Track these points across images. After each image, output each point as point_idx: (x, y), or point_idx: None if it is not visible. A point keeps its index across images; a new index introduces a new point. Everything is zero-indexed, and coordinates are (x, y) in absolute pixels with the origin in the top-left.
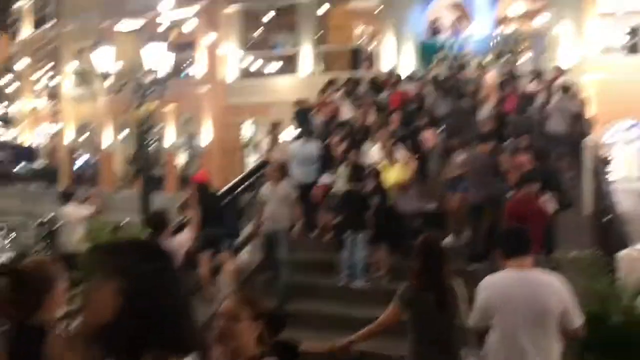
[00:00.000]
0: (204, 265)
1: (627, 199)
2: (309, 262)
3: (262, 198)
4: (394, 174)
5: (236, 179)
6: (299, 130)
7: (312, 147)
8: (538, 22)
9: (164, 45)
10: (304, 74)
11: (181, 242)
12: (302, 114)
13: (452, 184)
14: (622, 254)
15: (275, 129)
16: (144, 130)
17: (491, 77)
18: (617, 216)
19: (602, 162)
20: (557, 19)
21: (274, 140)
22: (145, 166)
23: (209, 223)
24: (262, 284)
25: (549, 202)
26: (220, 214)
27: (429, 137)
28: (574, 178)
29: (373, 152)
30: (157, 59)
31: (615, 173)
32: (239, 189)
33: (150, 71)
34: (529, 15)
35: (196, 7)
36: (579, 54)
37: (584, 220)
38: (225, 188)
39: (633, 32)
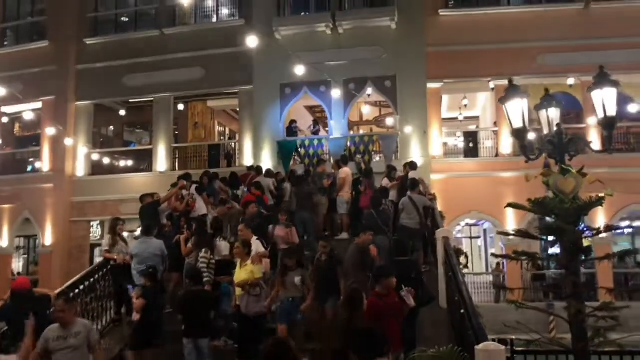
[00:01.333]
0: None
1: (474, 290)
2: None
3: (46, 343)
4: (243, 273)
5: (67, 283)
6: (142, 227)
7: (156, 246)
8: (388, 124)
9: None
10: (160, 170)
11: None
12: (148, 210)
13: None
14: (480, 347)
15: (116, 225)
16: None
17: (344, 171)
18: (472, 308)
19: (455, 254)
20: (405, 122)
21: (114, 239)
22: None
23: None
24: None
25: (407, 297)
26: (45, 324)
27: (283, 235)
28: (430, 271)
29: (224, 248)
30: None
31: (465, 267)
32: (72, 294)
33: None
34: (380, 119)
35: (42, 100)
36: (424, 155)
37: (442, 314)
38: (57, 291)
39: (469, 136)
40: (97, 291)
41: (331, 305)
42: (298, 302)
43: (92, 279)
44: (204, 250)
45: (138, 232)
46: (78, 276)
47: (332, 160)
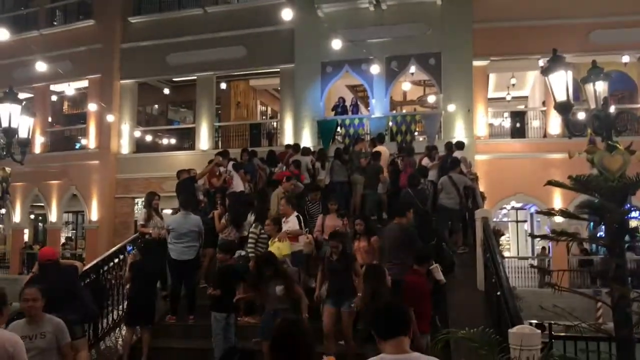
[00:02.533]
0: None
1: (518, 275)
2: (180, 351)
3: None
4: (273, 249)
5: (102, 256)
6: (179, 202)
7: (193, 221)
8: (432, 103)
9: (18, 107)
10: (203, 148)
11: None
12: (184, 185)
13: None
14: (514, 330)
15: (152, 199)
16: None
17: (380, 148)
18: (509, 290)
19: (494, 235)
20: (448, 101)
21: (149, 213)
22: None
23: (58, 306)
24: None
25: (437, 272)
26: (74, 294)
27: (336, 225)
28: (468, 253)
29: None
30: (14, 120)
31: (507, 250)
32: (107, 267)
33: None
34: (423, 99)
35: (89, 78)
36: (469, 135)
37: (478, 296)
38: (87, 266)
39: (516, 116)
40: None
41: (347, 308)
42: (280, 315)
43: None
44: (253, 225)
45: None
46: (111, 250)
47: (369, 139)
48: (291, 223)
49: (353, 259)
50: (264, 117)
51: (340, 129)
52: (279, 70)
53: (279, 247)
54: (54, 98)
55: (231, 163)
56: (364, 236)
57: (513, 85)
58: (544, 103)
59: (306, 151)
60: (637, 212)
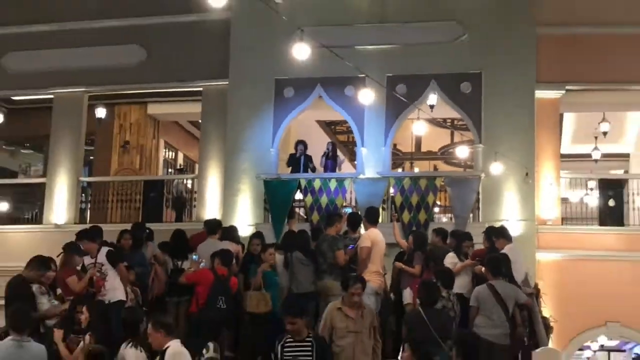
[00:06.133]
0: None
1: None
2: None
3: None
4: None
5: None
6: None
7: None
8: (463, 159)
9: None
10: (57, 222)
11: None
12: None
13: None
14: None
15: None
16: None
17: (369, 235)
18: None
19: None
20: (493, 158)
21: None
22: None
23: None
24: None
25: None
26: None
27: None
28: None
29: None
30: None
31: None
32: None
33: None
34: (451, 150)
35: None
36: (528, 218)
37: None
38: None
39: (609, 189)
40: None
41: None
42: None
43: None
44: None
45: None
46: None
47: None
48: None
49: None
50: (170, 171)
51: (305, 196)
52: (200, 89)
53: None
54: None
55: (104, 251)
56: None
57: (604, 134)
58: None
59: (230, 233)
60: None
